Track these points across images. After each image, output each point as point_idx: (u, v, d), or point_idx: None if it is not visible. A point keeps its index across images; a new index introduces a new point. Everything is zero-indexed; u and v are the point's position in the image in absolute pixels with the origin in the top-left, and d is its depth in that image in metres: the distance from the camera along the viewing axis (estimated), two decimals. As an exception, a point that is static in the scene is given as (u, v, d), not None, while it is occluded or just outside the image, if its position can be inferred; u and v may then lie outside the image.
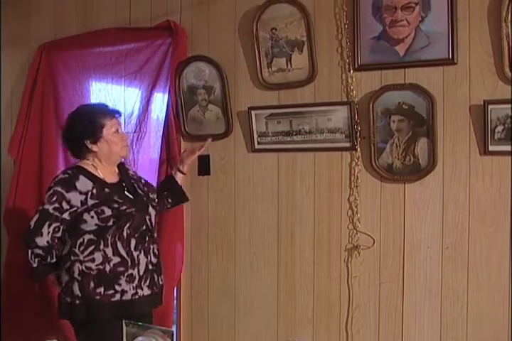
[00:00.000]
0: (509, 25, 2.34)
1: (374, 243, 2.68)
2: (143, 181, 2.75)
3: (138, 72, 3.25)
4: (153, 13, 3.25)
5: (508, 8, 2.34)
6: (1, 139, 3.77)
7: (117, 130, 2.58)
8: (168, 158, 3.10)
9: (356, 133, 2.68)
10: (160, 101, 3.23)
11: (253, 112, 2.91)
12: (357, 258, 2.72)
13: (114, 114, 2.62)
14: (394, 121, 2.59)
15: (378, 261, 2.69)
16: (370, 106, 2.62)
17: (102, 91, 3.45)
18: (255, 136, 2.94)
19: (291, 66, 2.82)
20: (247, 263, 3.02)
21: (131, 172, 2.74)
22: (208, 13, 3.07)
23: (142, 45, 3.23)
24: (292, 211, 2.89)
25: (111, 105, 2.97)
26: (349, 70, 2.69)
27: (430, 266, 2.58)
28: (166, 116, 3.15)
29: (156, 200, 2.74)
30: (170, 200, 2.88)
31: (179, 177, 2.89)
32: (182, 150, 3.05)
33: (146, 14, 3.27)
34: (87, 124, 2.50)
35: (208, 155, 3.04)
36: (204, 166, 3.00)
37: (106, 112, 2.59)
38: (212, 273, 3.10)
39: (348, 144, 2.72)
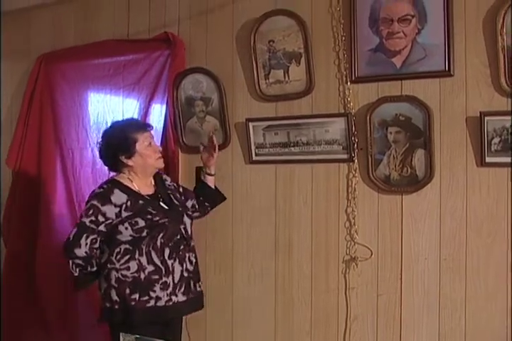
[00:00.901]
0: (504, 37, 2.35)
1: (372, 254, 2.68)
2: (181, 190, 2.83)
3: (136, 83, 3.27)
4: (152, 25, 3.27)
5: (503, 21, 2.35)
6: (0, 148, 3.78)
7: (150, 143, 2.64)
8: (166, 169, 3.10)
9: (353, 144, 2.68)
10: (158, 113, 3.24)
11: (251, 124, 2.92)
12: (355, 270, 2.72)
13: (145, 127, 2.69)
14: (391, 133, 2.60)
15: (376, 273, 2.68)
16: (367, 117, 2.62)
17: (101, 103, 3.46)
18: (253, 147, 2.94)
19: (288, 78, 2.83)
20: (245, 275, 3.01)
21: (168, 182, 2.79)
22: (206, 25, 3.09)
23: (140, 56, 3.24)
24: (290, 222, 2.89)
25: (112, 117, 2.97)
26: (346, 82, 2.70)
27: (428, 277, 2.57)
28: (163, 128, 3.16)
29: (197, 206, 2.85)
30: (208, 204, 2.93)
31: (209, 180, 2.91)
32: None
33: (144, 26, 3.29)
34: (121, 141, 2.57)
35: (206, 167, 3.03)
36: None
37: (137, 127, 2.66)
38: (210, 285, 3.08)
39: (345, 156, 2.72)
